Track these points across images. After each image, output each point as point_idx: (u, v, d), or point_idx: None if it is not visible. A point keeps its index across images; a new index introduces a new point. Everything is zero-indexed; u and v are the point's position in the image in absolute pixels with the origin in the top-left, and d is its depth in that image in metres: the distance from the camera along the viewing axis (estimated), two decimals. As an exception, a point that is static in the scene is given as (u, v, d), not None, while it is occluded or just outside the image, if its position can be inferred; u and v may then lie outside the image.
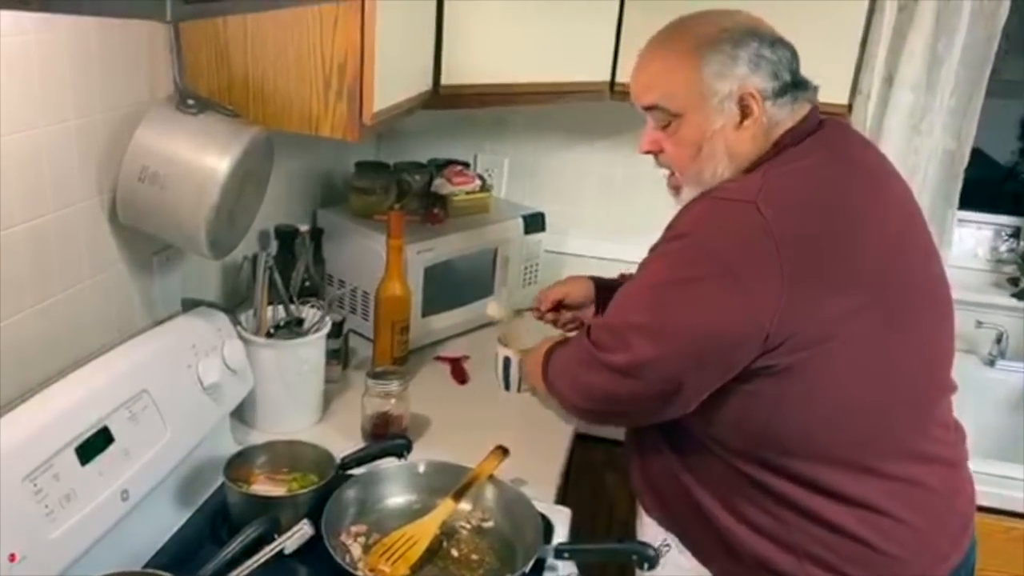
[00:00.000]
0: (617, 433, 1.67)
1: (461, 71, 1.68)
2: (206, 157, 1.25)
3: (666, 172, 1.29)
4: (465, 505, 1.36)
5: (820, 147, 1.22)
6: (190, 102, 1.29)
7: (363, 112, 1.36)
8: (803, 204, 1.16)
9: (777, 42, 1.21)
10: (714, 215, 1.17)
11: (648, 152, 1.27)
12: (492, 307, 1.77)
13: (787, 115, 1.21)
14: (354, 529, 1.32)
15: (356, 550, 1.28)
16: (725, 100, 1.18)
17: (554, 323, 1.71)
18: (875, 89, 1.96)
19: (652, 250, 1.27)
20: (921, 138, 1.99)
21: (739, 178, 1.21)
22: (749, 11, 1.26)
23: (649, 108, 1.24)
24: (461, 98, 1.72)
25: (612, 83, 1.85)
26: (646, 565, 1.25)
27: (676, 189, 1.28)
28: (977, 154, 2.06)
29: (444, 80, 1.67)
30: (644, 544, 1.27)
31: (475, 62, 1.69)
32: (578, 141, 2.25)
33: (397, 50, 1.45)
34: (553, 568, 1.28)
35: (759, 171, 1.19)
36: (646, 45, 1.27)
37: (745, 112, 1.19)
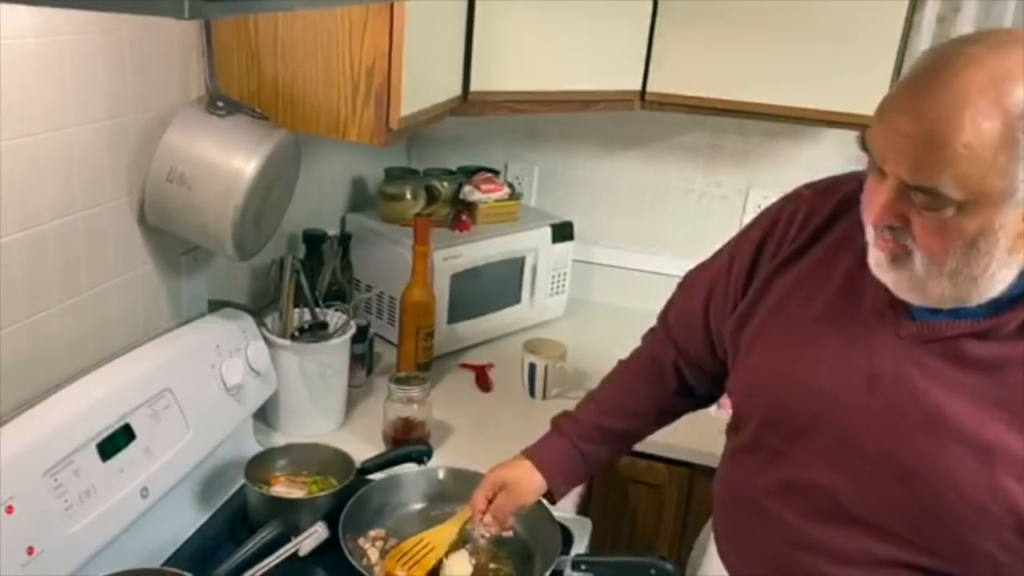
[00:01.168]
0: (643, 445, 1.65)
1: (491, 78, 1.68)
2: (233, 159, 1.26)
3: (887, 236, 0.93)
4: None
5: None
6: (219, 104, 1.30)
7: (390, 117, 1.37)
8: None
9: None
10: None
11: (887, 226, 0.91)
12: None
13: None
14: (372, 533, 1.31)
15: (373, 554, 1.27)
16: None
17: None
18: (913, 101, 1.92)
19: None
20: (960, 152, 1.94)
21: None
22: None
23: (916, 188, 0.86)
24: (490, 105, 1.71)
25: (643, 92, 1.84)
26: None
27: (896, 259, 0.93)
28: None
29: (473, 87, 1.66)
30: (663, 558, 1.25)
31: (505, 69, 1.69)
32: (609, 151, 2.24)
33: (426, 55, 1.45)
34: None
35: None
36: (919, 85, 0.86)
37: None
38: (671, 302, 1.35)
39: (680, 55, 1.79)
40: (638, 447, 1.66)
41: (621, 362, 1.39)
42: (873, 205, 0.91)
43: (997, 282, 0.90)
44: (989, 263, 0.89)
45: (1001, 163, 0.82)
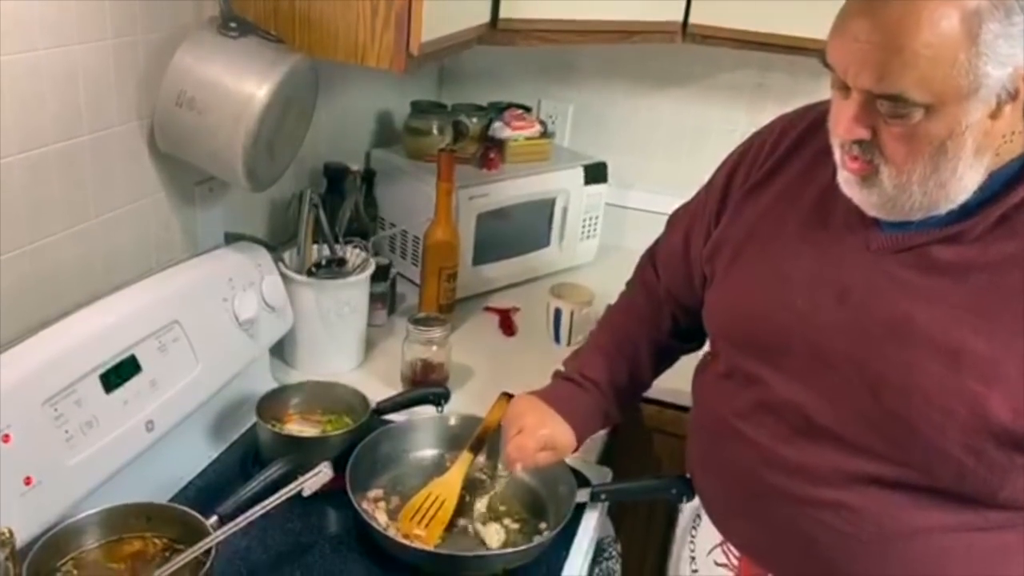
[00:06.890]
0: (670, 395, 1.59)
1: (522, 5, 1.58)
2: (244, 83, 1.21)
3: (854, 154, 0.92)
4: (483, 457, 1.31)
5: None
6: (232, 25, 1.24)
7: (411, 42, 1.29)
8: None
9: None
10: None
11: (855, 140, 0.90)
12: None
13: None
14: (371, 494, 1.26)
15: (381, 516, 1.23)
16: (995, 88, 0.84)
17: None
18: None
19: None
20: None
21: None
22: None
23: (882, 96, 0.86)
24: (520, 34, 1.62)
25: (685, 24, 1.73)
26: (684, 498, 1.21)
27: (865, 179, 0.92)
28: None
29: (503, 14, 1.57)
30: (682, 478, 1.22)
31: (537, -4, 1.60)
32: (647, 89, 2.14)
33: (451, -23, 1.37)
34: (594, 507, 1.25)
35: None
36: None
37: (1011, 96, 0.85)
38: (658, 241, 1.34)
39: (725, -16, 1.68)
40: (664, 397, 1.62)
41: (613, 308, 1.38)
42: (841, 120, 0.90)
43: (965, 186, 0.90)
44: (957, 166, 0.88)
45: (962, 60, 0.82)
